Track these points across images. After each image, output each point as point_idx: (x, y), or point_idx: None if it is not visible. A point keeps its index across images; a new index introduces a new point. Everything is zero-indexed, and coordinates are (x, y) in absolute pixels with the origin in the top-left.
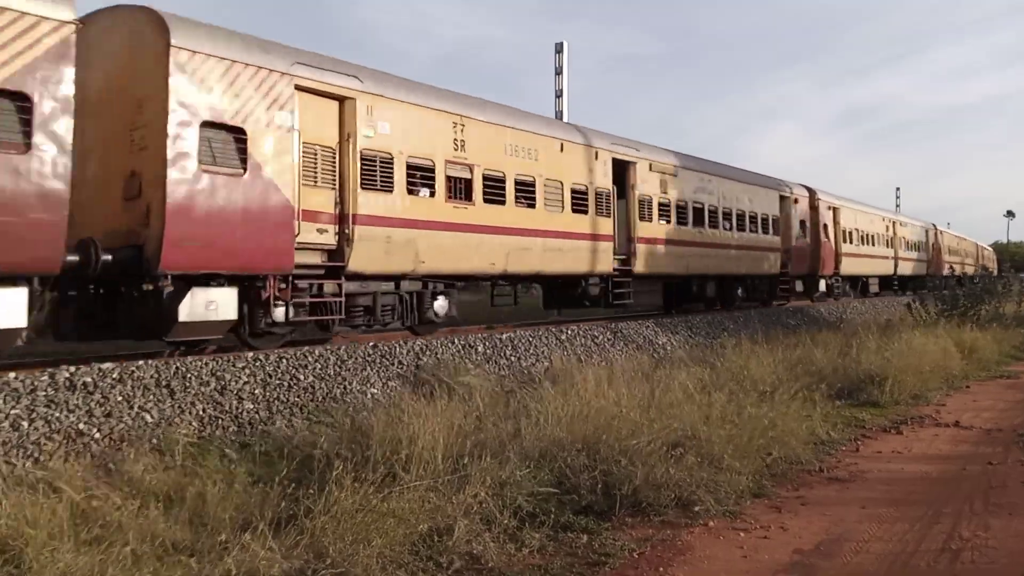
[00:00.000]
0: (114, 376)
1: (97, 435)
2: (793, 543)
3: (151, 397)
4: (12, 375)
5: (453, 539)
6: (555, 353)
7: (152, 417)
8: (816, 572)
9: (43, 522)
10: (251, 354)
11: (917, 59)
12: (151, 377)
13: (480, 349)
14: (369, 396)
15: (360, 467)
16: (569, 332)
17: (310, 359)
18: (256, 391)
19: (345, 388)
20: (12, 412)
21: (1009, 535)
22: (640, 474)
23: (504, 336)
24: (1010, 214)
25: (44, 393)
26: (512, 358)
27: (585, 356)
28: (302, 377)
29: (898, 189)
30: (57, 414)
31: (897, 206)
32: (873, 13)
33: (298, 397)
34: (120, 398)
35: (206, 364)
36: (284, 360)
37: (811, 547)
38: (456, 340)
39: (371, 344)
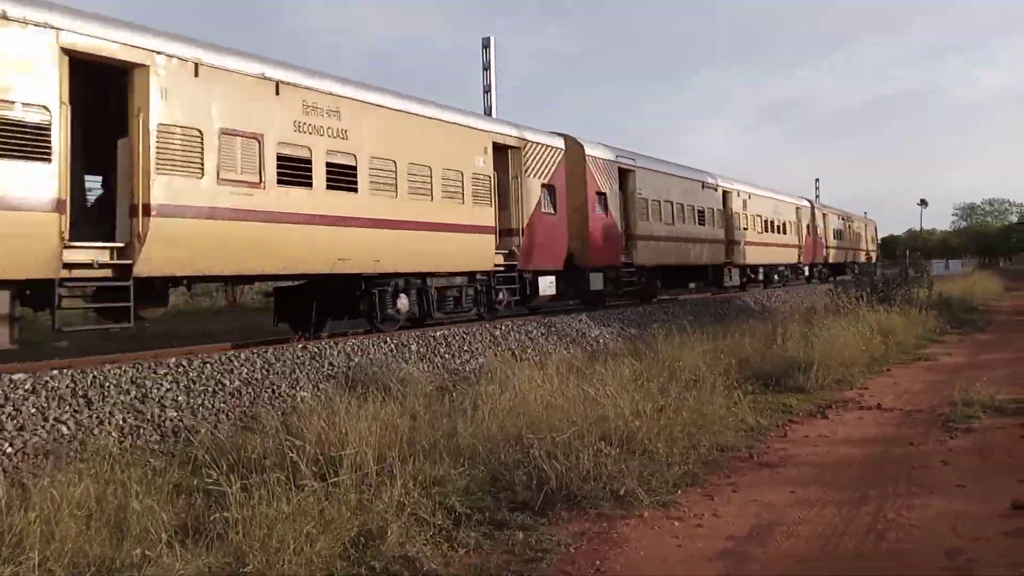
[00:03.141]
0: (26, 387)
1: (9, 449)
2: (726, 530)
3: (67, 408)
4: None
5: (386, 542)
6: (489, 350)
7: (69, 429)
8: (749, 558)
9: None
10: (173, 360)
11: (840, 56)
12: (66, 387)
13: (414, 348)
14: (299, 399)
15: (288, 472)
16: (503, 328)
17: (235, 363)
18: (179, 398)
19: (274, 392)
20: None
21: (930, 514)
22: (573, 468)
23: (438, 334)
24: (923, 203)
25: None
26: (446, 356)
27: (519, 351)
28: (227, 382)
29: (817, 180)
30: None
31: (817, 196)
32: (797, 15)
33: (224, 403)
34: (33, 410)
35: (125, 372)
36: (208, 365)
37: (744, 533)
38: (389, 339)
39: (300, 346)
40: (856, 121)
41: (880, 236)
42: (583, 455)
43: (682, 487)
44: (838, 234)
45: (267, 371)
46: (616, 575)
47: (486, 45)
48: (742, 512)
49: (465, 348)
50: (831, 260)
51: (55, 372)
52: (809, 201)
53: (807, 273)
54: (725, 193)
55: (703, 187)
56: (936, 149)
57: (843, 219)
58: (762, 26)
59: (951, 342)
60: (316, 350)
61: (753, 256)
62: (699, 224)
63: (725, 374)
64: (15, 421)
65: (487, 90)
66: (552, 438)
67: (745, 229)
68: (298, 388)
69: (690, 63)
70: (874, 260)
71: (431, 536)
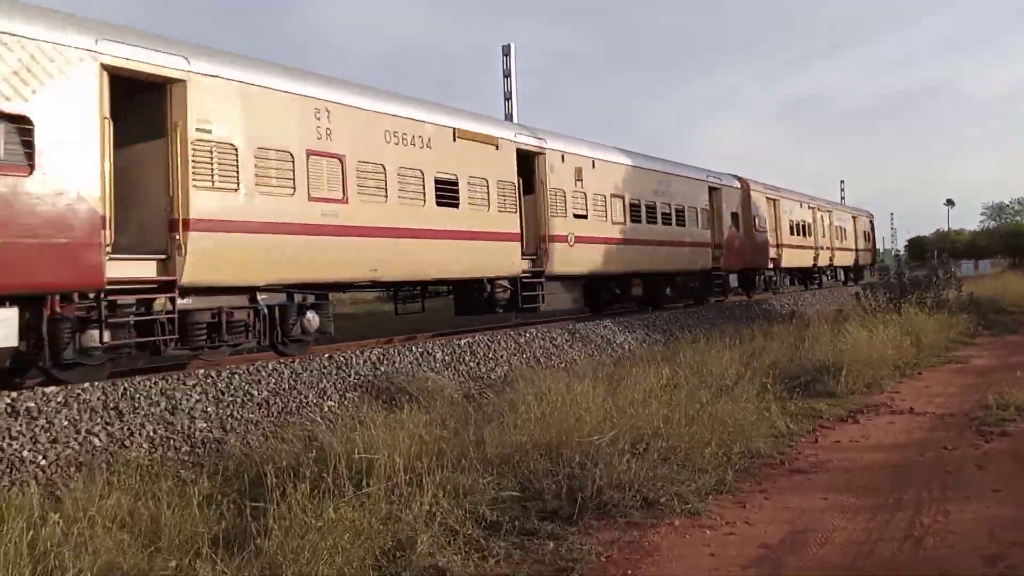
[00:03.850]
0: (59, 400)
1: (43, 462)
2: (759, 538)
3: (99, 420)
4: None
5: (416, 552)
6: (514, 357)
7: (101, 441)
8: (783, 566)
9: None
10: (202, 371)
11: (857, 50)
12: (98, 399)
13: (439, 356)
14: (326, 408)
15: (317, 482)
16: (528, 335)
17: (263, 374)
18: (208, 409)
19: (301, 401)
20: None
21: (967, 519)
22: (603, 475)
23: (463, 342)
24: (950, 203)
25: None
26: (471, 363)
27: (544, 358)
28: (256, 393)
29: (842, 182)
30: None
31: (842, 199)
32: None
33: (252, 413)
34: (66, 423)
35: (155, 384)
36: (236, 376)
37: (777, 541)
38: (414, 348)
39: (326, 356)
40: (875, 118)
41: (907, 237)
42: (612, 463)
43: (713, 495)
44: (800, 228)
45: (294, 381)
46: None
47: (506, 52)
48: (774, 519)
49: (490, 356)
50: (786, 263)
51: (87, 385)
52: (739, 179)
53: (732, 283)
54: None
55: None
56: (960, 145)
57: (812, 208)
58: (774, 21)
59: (982, 344)
60: (342, 359)
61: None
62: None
63: (753, 379)
64: (48, 434)
65: (508, 97)
66: (581, 446)
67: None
68: (325, 398)
69: (698, 60)
70: (871, 263)
71: (461, 545)
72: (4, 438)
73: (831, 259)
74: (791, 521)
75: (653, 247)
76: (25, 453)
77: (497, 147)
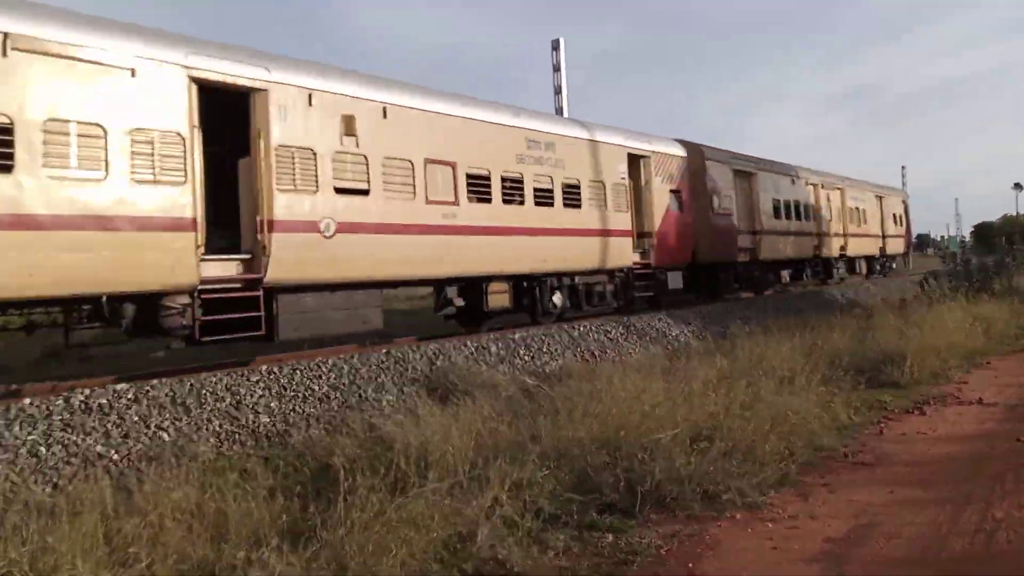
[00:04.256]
0: (129, 396)
1: (115, 456)
2: (823, 532)
3: (167, 415)
4: (27, 401)
5: (476, 545)
6: (568, 351)
7: (169, 436)
8: (849, 560)
9: (67, 547)
10: (265, 367)
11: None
12: (166, 396)
13: (493, 350)
14: (385, 403)
15: (377, 475)
16: (581, 329)
17: (323, 369)
18: (271, 404)
19: (360, 396)
20: (29, 438)
21: None
22: (662, 469)
23: (517, 336)
24: (1017, 187)
25: (60, 417)
26: (525, 358)
27: (599, 352)
28: (316, 388)
29: (904, 168)
30: (74, 438)
31: (903, 186)
32: None
33: (313, 408)
34: (136, 418)
35: (220, 380)
36: (297, 372)
37: (841, 535)
38: (469, 343)
39: (384, 351)
40: (939, 102)
41: (973, 223)
42: (671, 457)
43: (775, 488)
44: (792, 210)
45: (353, 376)
46: None
47: (555, 47)
48: (839, 513)
49: (544, 350)
50: (768, 254)
51: (155, 382)
52: (685, 144)
53: (674, 283)
54: None
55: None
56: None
57: (812, 184)
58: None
59: None
60: (399, 355)
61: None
62: None
63: (815, 370)
64: (120, 429)
65: (558, 91)
66: (638, 440)
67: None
68: (383, 392)
69: (755, 49)
70: (905, 251)
71: (521, 538)
72: (79, 434)
73: (843, 248)
74: (856, 515)
75: (520, 237)
76: (99, 448)
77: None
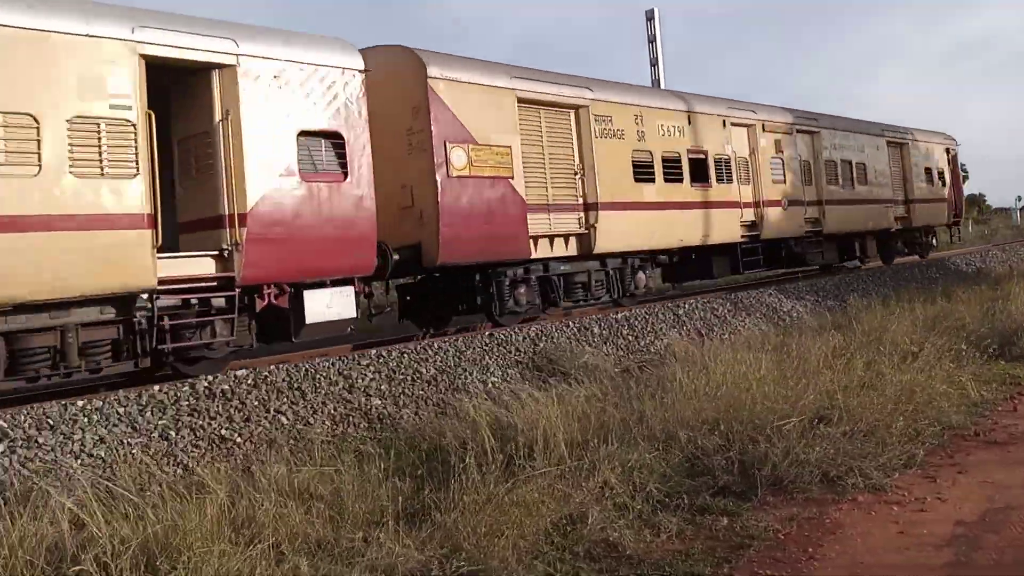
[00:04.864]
0: (249, 382)
1: (238, 439)
2: (954, 515)
3: (285, 400)
4: (156, 388)
5: (587, 527)
6: (673, 330)
7: (287, 419)
8: (982, 545)
9: (195, 525)
10: (374, 351)
11: None
12: (283, 381)
13: (596, 331)
14: (490, 384)
15: (485, 457)
16: (687, 307)
17: (430, 352)
18: (382, 387)
19: (466, 378)
20: (160, 423)
21: None
22: (779, 451)
23: (619, 315)
24: None
25: (187, 403)
26: (629, 337)
27: (706, 330)
28: (424, 370)
29: None
30: (200, 422)
31: None
32: None
33: (422, 390)
34: (256, 403)
35: (333, 364)
36: (405, 355)
37: (975, 518)
38: (571, 323)
39: (487, 333)
40: None
41: None
42: (786, 438)
43: (900, 470)
44: (688, 167)
45: (459, 359)
46: (831, 562)
47: (650, 17)
48: (970, 495)
49: (648, 329)
50: (619, 245)
51: (272, 367)
52: (788, 111)
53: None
54: None
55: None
56: None
57: (735, 123)
58: None
59: None
60: (503, 337)
61: None
62: None
63: (940, 345)
64: (242, 413)
65: (654, 63)
66: (751, 420)
67: None
68: (488, 374)
69: (853, 9)
70: (951, 220)
71: (631, 521)
72: (204, 418)
73: (820, 220)
74: (990, 498)
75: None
76: (223, 431)
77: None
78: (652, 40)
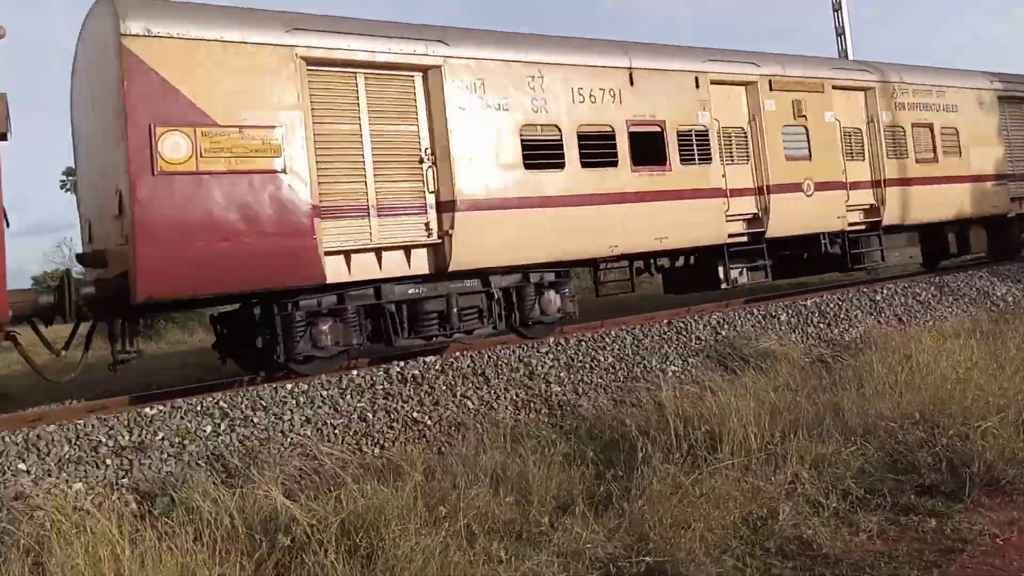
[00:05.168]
0: (436, 368)
1: (428, 422)
2: None
3: (470, 385)
4: (355, 373)
5: (778, 523)
6: (870, 317)
7: (473, 403)
8: None
9: (392, 503)
10: (552, 339)
11: None
12: (468, 367)
13: (783, 318)
14: (670, 373)
15: (668, 447)
16: (885, 292)
17: (607, 340)
18: (561, 374)
19: (645, 367)
20: (358, 405)
21: None
22: (994, 448)
23: (809, 302)
24: None
25: (382, 387)
26: (820, 326)
27: (907, 317)
28: (602, 358)
29: None
30: (394, 405)
31: None
32: None
33: (600, 378)
34: (444, 388)
35: (514, 351)
36: (583, 343)
37: None
38: (755, 311)
39: (665, 321)
40: None
41: None
42: (1011, 434)
43: None
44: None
45: (636, 347)
46: None
47: None
48: None
49: (842, 316)
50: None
51: (457, 354)
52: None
53: None
54: None
55: None
56: None
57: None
58: None
59: None
60: (681, 324)
61: None
62: None
63: None
64: (431, 397)
65: (840, 32)
66: (962, 414)
67: None
68: (668, 363)
69: None
70: (993, 210)
71: (826, 518)
72: (398, 401)
73: (877, 208)
74: None
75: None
76: (415, 414)
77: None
78: (837, 8)
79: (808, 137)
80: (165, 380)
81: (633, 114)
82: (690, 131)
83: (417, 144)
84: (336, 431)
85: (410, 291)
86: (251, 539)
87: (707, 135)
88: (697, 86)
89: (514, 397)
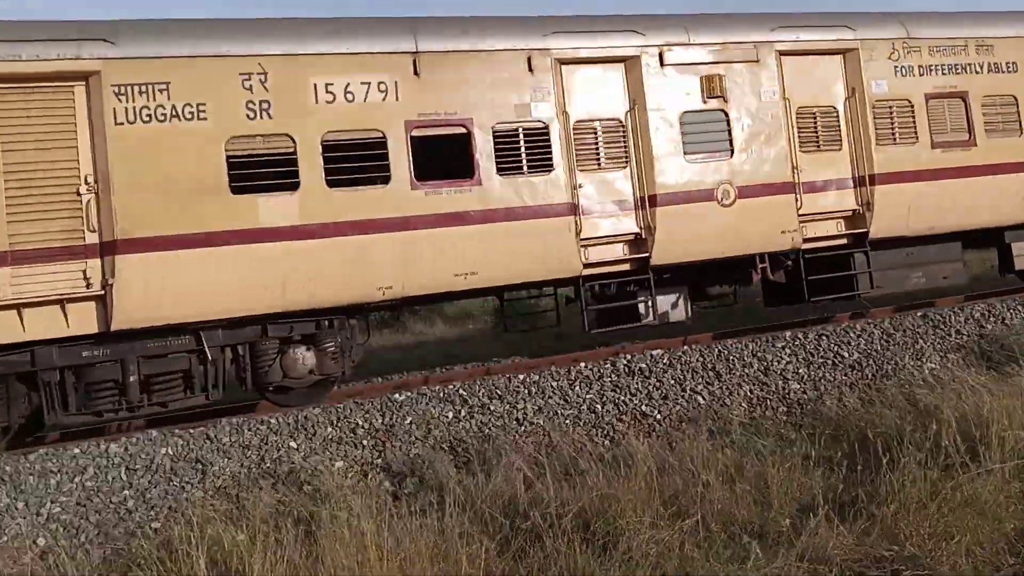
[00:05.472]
0: (664, 362)
1: (658, 416)
2: None
3: (700, 380)
4: (583, 365)
5: None
6: None
7: (704, 399)
8: None
9: (628, 496)
10: (789, 333)
11: None
12: (697, 361)
13: None
14: (926, 371)
15: (925, 451)
16: None
17: (852, 335)
18: (800, 371)
19: (896, 364)
20: (587, 397)
21: None
22: None
23: None
24: None
25: (609, 379)
26: None
27: None
28: (846, 354)
29: None
30: (622, 398)
31: None
32: None
33: (845, 375)
34: (672, 382)
35: (746, 346)
36: (824, 338)
37: None
38: None
39: (919, 314)
40: None
41: None
42: None
43: None
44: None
45: (886, 342)
46: None
47: None
48: None
49: None
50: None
51: (686, 348)
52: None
53: None
54: None
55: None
56: None
57: None
58: None
59: None
60: (939, 318)
61: None
62: None
63: None
64: (659, 391)
65: None
66: None
67: None
68: (924, 360)
69: None
70: None
71: None
72: (626, 394)
73: (861, 213)
74: None
75: None
76: (644, 408)
77: None
78: None
79: (728, 125)
80: None
81: (418, 113)
82: (516, 131)
83: (71, 173)
84: (567, 421)
85: (84, 355)
86: (494, 521)
87: (546, 135)
88: (531, 69)
89: (747, 393)
